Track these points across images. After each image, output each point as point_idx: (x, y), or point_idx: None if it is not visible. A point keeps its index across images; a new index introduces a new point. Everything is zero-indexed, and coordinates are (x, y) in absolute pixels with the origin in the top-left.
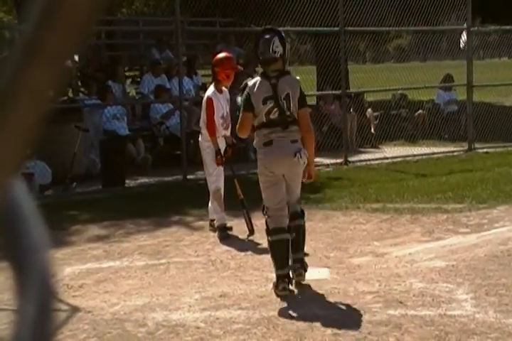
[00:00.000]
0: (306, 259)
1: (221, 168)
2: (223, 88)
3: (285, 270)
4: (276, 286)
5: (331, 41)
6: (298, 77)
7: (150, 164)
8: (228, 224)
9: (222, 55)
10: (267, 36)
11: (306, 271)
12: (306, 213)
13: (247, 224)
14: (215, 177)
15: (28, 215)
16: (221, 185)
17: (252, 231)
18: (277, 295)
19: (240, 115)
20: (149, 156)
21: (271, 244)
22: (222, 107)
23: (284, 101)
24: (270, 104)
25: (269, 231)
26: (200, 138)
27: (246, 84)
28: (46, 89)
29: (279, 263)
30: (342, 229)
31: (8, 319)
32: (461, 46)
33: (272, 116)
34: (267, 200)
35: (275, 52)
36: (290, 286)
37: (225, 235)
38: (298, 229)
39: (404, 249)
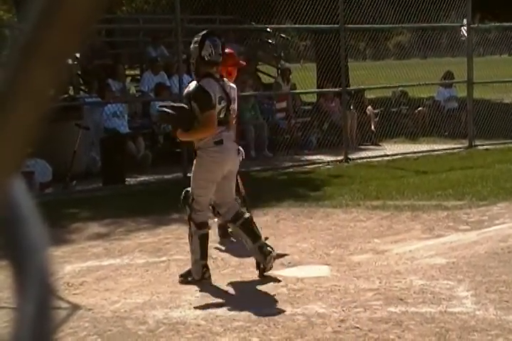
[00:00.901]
0: (307, 256)
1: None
2: (230, 85)
3: (206, 260)
4: (203, 273)
5: (331, 38)
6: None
7: (150, 162)
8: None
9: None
10: (215, 39)
11: (273, 249)
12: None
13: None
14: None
15: (28, 214)
16: None
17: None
18: (199, 280)
19: (206, 114)
20: (149, 154)
21: (199, 236)
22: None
23: (232, 102)
24: (223, 104)
25: (197, 225)
26: None
27: (199, 85)
28: (46, 88)
29: (204, 254)
30: (342, 226)
31: (8, 317)
32: (462, 39)
33: (221, 116)
34: (202, 196)
35: (221, 55)
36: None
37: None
38: (247, 223)
39: (404, 246)
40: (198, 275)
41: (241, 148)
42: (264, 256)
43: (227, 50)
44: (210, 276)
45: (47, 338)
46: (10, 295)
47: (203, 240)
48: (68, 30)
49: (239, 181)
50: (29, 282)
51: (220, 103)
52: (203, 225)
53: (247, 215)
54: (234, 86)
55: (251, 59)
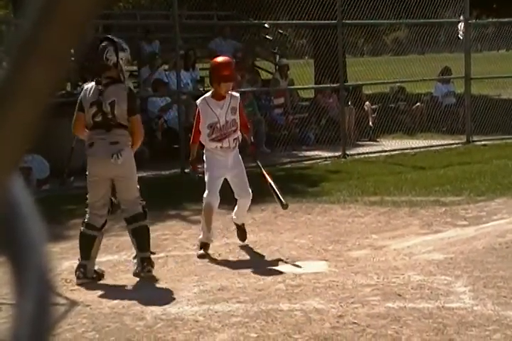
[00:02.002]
0: (305, 251)
1: (217, 182)
2: (233, 94)
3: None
4: (85, 273)
5: (328, 34)
6: (130, 87)
7: (147, 157)
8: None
9: (220, 59)
10: (103, 44)
11: (153, 267)
12: (148, 214)
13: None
14: (208, 190)
15: (26, 211)
16: (213, 200)
17: (284, 205)
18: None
19: (75, 115)
20: (146, 149)
21: (82, 234)
22: (214, 116)
23: (109, 107)
24: (95, 109)
25: (84, 224)
26: None
27: (82, 88)
28: (45, 86)
29: (86, 254)
30: (340, 222)
31: (7, 313)
32: (459, 36)
33: (96, 119)
34: (90, 198)
35: (108, 60)
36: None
37: (204, 254)
38: (141, 230)
39: (402, 241)
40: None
41: (122, 153)
42: (142, 268)
43: (223, 59)
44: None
45: (46, 335)
46: (8, 291)
47: (85, 240)
48: (67, 27)
49: (264, 172)
50: (28, 279)
51: (91, 107)
52: (88, 226)
53: (144, 223)
54: (236, 95)
55: (249, 55)
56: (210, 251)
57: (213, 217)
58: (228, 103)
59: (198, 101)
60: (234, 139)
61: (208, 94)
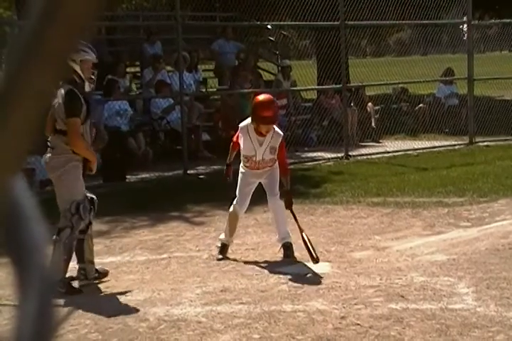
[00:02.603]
0: (307, 253)
1: (247, 189)
2: (276, 131)
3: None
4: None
5: (331, 35)
6: (62, 91)
7: (151, 158)
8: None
9: (261, 97)
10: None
11: (89, 278)
12: (73, 226)
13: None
14: (237, 197)
15: (29, 212)
16: (240, 208)
17: (315, 259)
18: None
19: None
20: (150, 150)
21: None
22: (252, 149)
23: (54, 110)
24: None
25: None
26: None
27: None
28: (47, 87)
29: (80, 257)
30: (343, 223)
31: (10, 315)
32: (465, 38)
33: (50, 123)
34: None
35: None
36: None
37: (223, 257)
38: (57, 245)
39: (405, 242)
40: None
41: (49, 158)
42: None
43: (264, 97)
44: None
45: (48, 336)
46: (11, 292)
47: (78, 244)
48: (69, 27)
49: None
50: (31, 279)
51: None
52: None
53: (60, 239)
54: (279, 133)
55: (251, 56)
56: (213, 252)
57: (238, 221)
58: (269, 142)
59: (242, 125)
60: (270, 166)
61: (248, 121)
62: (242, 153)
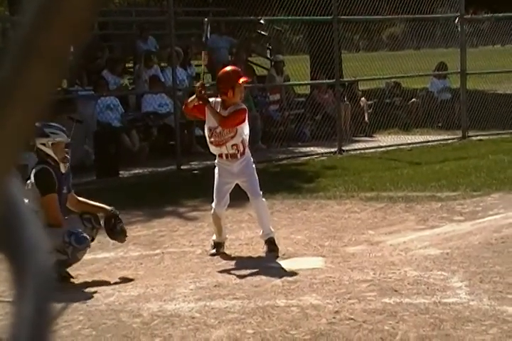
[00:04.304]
0: (301, 247)
1: (223, 189)
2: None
3: None
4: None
5: (324, 30)
6: (42, 167)
7: (147, 154)
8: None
9: (230, 67)
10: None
11: None
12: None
13: None
14: (214, 198)
15: (25, 211)
16: (219, 210)
17: None
18: None
19: None
20: (146, 146)
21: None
22: (214, 121)
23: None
24: None
25: None
26: None
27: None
28: (45, 87)
29: None
30: (336, 217)
31: (4, 311)
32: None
33: None
34: None
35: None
36: None
37: (215, 253)
38: None
39: (398, 237)
40: None
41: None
42: None
43: (229, 68)
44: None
45: (45, 336)
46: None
47: None
48: (66, 28)
49: None
50: (28, 280)
51: None
52: None
53: None
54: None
55: (243, 50)
56: (207, 248)
57: (222, 221)
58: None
59: (212, 99)
60: (232, 145)
61: (219, 99)
62: (206, 126)
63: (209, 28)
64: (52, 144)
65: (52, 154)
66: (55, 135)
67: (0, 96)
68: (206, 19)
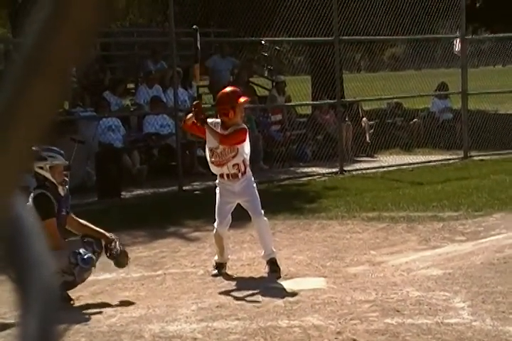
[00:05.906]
0: (303, 268)
1: (225, 208)
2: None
3: None
4: None
5: (325, 50)
6: (40, 192)
7: (145, 175)
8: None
9: (230, 88)
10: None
11: None
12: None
13: None
14: (216, 218)
15: (30, 229)
16: (221, 229)
17: None
18: None
19: None
20: (145, 167)
21: None
22: (214, 141)
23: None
24: None
25: None
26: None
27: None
28: (47, 107)
29: None
30: (338, 238)
31: (4, 331)
32: (456, 49)
33: None
34: None
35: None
36: None
37: (217, 274)
38: None
39: (400, 257)
40: None
41: None
42: None
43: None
44: None
45: None
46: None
47: None
48: (74, 36)
49: None
50: (33, 297)
51: None
52: None
53: None
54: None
55: (245, 71)
56: (209, 268)
57: (225, 241)
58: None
59: (212, 120)
60: (233, 165)
61: (219, 120)
62: (207, 147)
63: (199, 37)
64: (50, 167)
65: (51, 177)
66: (53, 158)
67: (2, 117)
68: (195, 26)
